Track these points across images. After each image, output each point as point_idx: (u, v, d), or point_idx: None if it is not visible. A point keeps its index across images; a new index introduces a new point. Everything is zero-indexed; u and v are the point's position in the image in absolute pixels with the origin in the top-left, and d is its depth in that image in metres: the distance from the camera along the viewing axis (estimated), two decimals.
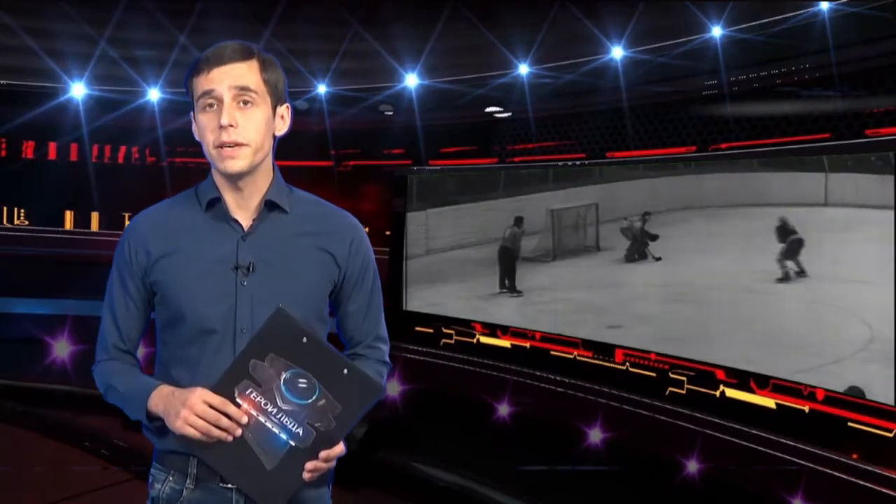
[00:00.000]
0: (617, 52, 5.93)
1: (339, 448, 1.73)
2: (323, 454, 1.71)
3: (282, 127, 1.86)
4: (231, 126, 1.75)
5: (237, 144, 1.76)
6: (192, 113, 1.83)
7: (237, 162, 1.77)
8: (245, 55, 1.78)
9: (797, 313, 4.97)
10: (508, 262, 6.83)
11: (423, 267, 7.45)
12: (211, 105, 1.77)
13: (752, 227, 5.29)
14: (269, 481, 1.71)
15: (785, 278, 5.11)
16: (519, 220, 6.77)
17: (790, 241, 5.13)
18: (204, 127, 1.78)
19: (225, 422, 1.68)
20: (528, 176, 6.86)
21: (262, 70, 1.79)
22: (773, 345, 5.09)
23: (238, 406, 1.69)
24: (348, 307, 1.94)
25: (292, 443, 1.70)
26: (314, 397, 1.69)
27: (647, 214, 6.00)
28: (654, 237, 5.93)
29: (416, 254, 7.49)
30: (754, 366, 5.17)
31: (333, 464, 1.76)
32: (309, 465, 1.71)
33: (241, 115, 1.76)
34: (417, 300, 7.40)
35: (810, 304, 4.86)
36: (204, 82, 1.76)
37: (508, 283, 6.83)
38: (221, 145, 1.76)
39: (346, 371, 1.69)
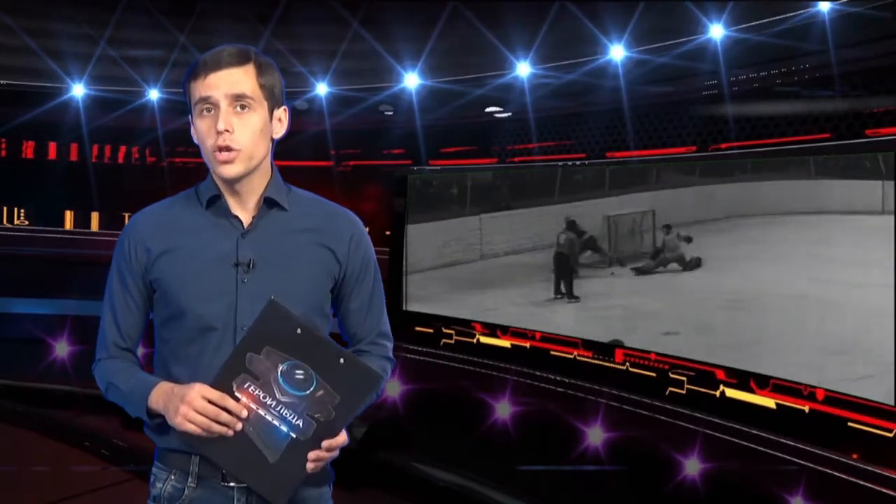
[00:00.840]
0: (617, 52, 5.93)
1: (342, 437, 1.73)
2: (325, 444, 1.71)
3: (279, 130, 1.87)
4: (227, 132, 1.76)
5: (232, 149, 1.78)
6: (189, 115, 1.84)
7: (233, 167, 1.79)
8: (241, 60, 1.79)
9: (857, 320, 4.85)
10: (564, 268, 6.69)
11: (476, 272, 7.31)
12: (208, 110, 1.78)
13: (808, 236, 5.19)
14: (274, 474, 1.71)
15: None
16: (572, 224, 6.59)
17: (585, 239, 6.40)
18: (201, 131, 1.80)
19: (224, 416, 1.68)
20: (584, 181, 6.73)
21: (258, 75, 1.80)
22: (830, 352, 4.99)
23: (237, 400, 1.69)
24: (350, 304, 1.94)
25: (293, 435, 1.70)
26: (312, 388, 1.69)
27: (668, 227, 5.94)
28: (689, 239, 5.85)
29: (470, 259, 7.37)
30: (811, 374, 5.04)
31: (336, 454, 1.75)
32: (311, 454, 1.71)
33: (238, 120, 1.78)
34: (471, 306, 7.25)
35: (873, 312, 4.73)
36: (201, 88, 1.78)
37: (565, 289, 6.69)
38: (218, 150, 1.78)
39: (342, 360, 1.69)
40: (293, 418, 1.70)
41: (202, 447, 1.73)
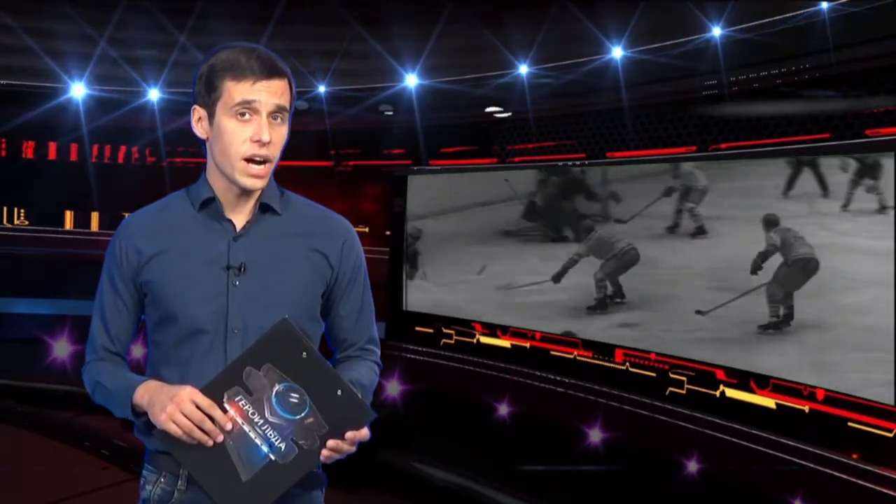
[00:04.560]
0: (617, 52, 5.93)
1: (365, 432, 1.70)
2: (349, 435, 1.67)
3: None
4: (269, 143, 1.76)
5: (266, 161, 1.77)
6: (194, 107, 1.81)
7: (260, 180, 1.79)
8: (284, 73, 1.80)
9: None
10: None
11: None
12: (243, 114, 1.76)
13: None
14: (241, 492, 1.68)
15: None
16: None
17: None
18: (233, 134, 1.76)
19: (209, 425, 1.67)
20: None
21: (291, 89, 1.81)
22: None
23: (225, 412, 1.68)
24: (340, 309, 1.92)
25: (272, 457, 1.68)
26: (303, 414, 1.67)
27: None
28: None
29: None
30: None
31: (353, 449, 1.71)
32: (331, 443, 1.67)
33: (273, 131, 1.77)
34: None
35: None
36: (246, 91, 1.75)
37: None
38: (251, 159, 1.76)
39: (339, 392, 1.67)
40: (276, 440, 1.68)
41: (177, 450, 1.71)
